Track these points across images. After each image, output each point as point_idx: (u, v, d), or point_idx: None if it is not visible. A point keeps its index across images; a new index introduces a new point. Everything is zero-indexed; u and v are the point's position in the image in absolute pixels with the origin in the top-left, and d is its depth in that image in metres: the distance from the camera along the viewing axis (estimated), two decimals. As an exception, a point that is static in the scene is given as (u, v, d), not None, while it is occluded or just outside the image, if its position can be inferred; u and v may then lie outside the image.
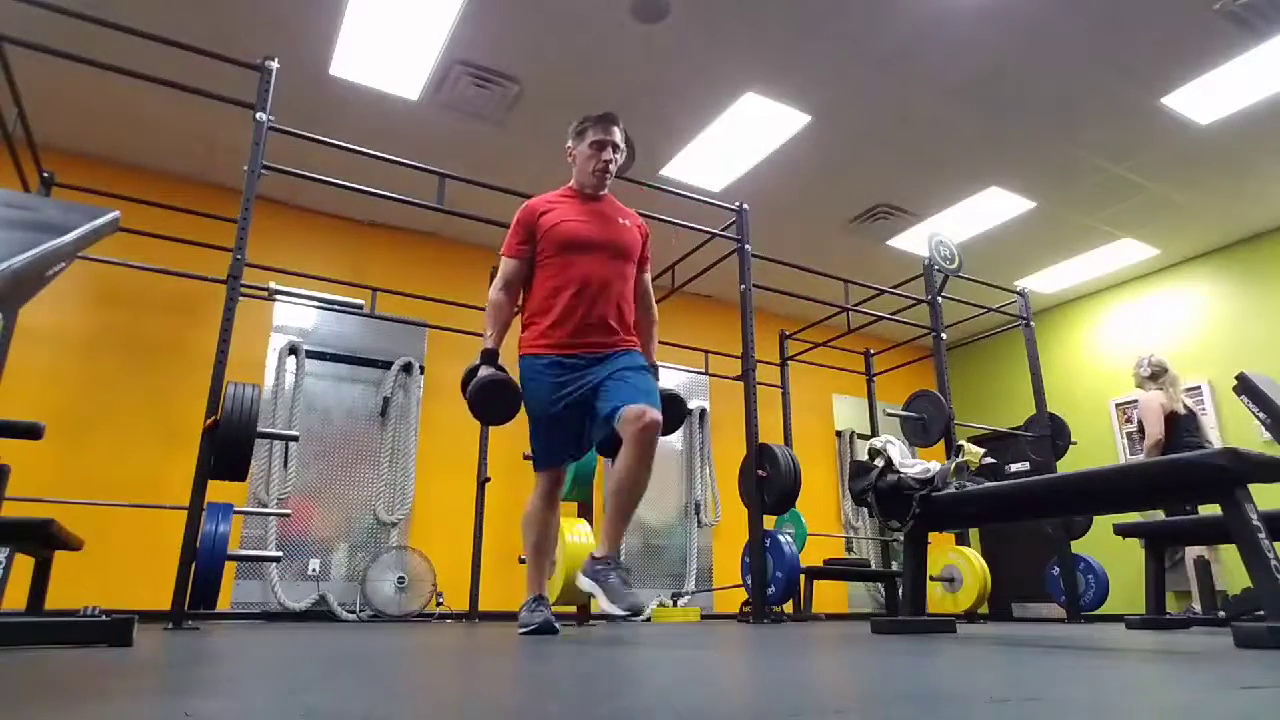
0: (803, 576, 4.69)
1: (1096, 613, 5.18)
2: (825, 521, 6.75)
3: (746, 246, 4.33)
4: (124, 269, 3.94)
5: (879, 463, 2.72)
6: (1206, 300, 6.32)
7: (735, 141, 4.83)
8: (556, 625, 2.32)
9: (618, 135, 2.50)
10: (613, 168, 2.49)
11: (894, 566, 5.88)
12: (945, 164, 5.16)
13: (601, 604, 2.11)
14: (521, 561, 3.91)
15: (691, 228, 4.38)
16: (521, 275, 2.49)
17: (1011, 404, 6.83)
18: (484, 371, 2.39)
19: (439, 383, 5.52)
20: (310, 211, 5.52)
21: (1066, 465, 5.45)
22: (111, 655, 1.37)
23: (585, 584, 2.18)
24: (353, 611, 4.64)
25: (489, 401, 2.41)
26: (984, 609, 5.01)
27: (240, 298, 3.12)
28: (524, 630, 2.30)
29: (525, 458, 3.84)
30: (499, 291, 2.50)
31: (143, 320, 4.78)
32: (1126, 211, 5.72)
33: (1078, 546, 5.22)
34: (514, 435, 4.77)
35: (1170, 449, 4.11)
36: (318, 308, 5.00)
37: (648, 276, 2.63)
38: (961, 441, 3.78)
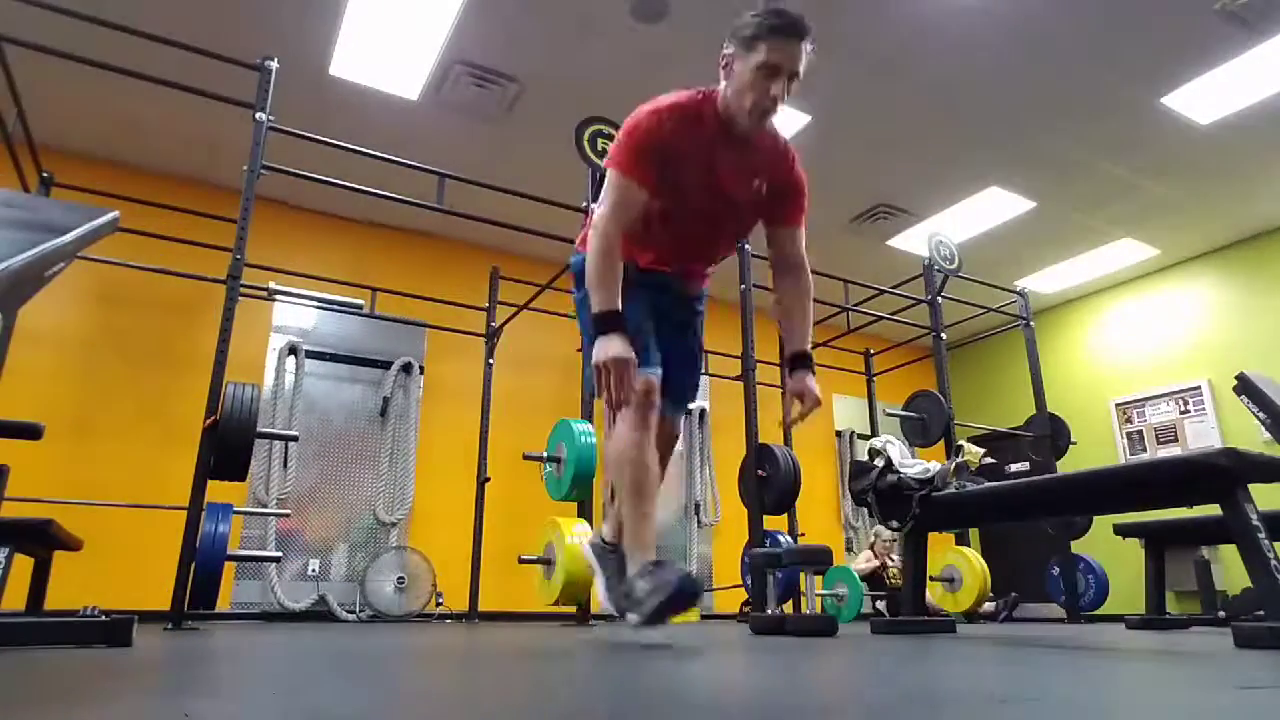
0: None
1: (1096, 613, 5.18)
2: (825, 522, 6.75)
3: (746, 246, 4.33)
4: (124, 269, 3.94)
5: (879, 463, 2.72)
6: (1206, 300, 6.32)
7: (735, 141, 4.82)
8: (696, 583, 1.67)
9: (803, 60, 1.75)
10: (781, 104, 1.77)
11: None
12: (945, 164, 5.16)
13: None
14: (521, 561, 3.91)
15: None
16: (641, 208, 1.77)
17: (1011, 404, 6.83)
18: (614, 344, 1.65)
19: (439, 383, 5.52)
20: (310, 211, 5.52)
21: (1066, 465, 5.45)
22: (111, 655, 1.37)
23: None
24: (352, 612, 4.64)
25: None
26: (987, 608, 5.01)
27: (240, 298, 3.12)
28: (650, 612, 1.60)
29: (525, 458, 3.87)
30: (613, 223, 1.73)
31: (143, 320, 4.78)
32: (1126, 211, 5.72)
33: (1078, 546, 5.22)
34: (514, 435, 4.79)
35: None
36: (317, 308, 5.01)
37: (795, 241, 1.99)
38: (961, 441, 3.78)
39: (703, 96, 1.80)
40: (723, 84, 1.79)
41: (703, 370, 2.10)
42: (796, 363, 1.98)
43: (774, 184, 1.92)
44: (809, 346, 2.00)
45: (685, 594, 1.60)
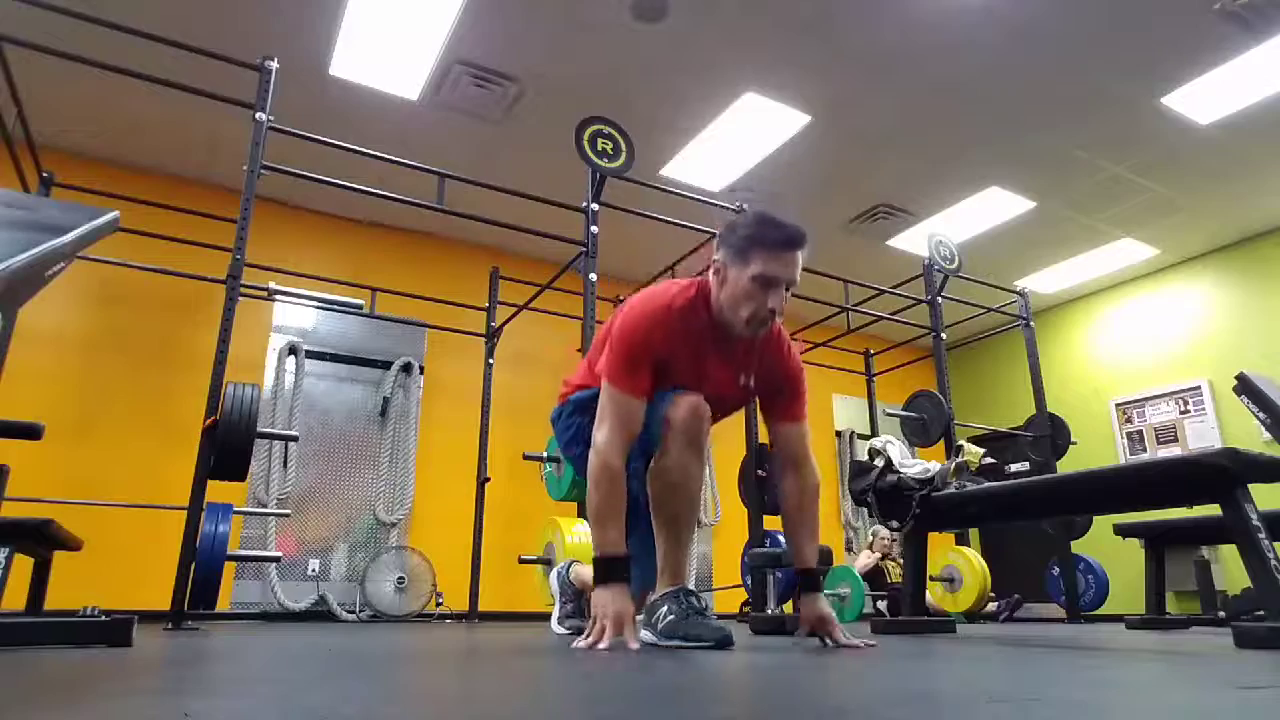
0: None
1: (1096, 613, 5.18)
2: (825, 522, 6.75)
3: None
4: (124, 269, 3.94)
5: (879, 463, 2.72)
6: (1206, 300, 6.32)
7: (735, 141, 4.83)
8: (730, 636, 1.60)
9: (798, 268, 1.67)
10: (778, 317, 1.69)
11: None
12: (945, 164, 5.16)
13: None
14: (521, 561, 3.90)
15: (692, 228, 4.38)
16: (641, 421, 1.65)
17: (1011, 404, 6.83)
18: (616, 596, 1.54)
19: (439, 383, 5.52)
20: (310, 211, 5.52)
21: (1066, 465, 5.45)
22: (111, 655, 1.37)
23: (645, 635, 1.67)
24: (352, 612, 4.64)
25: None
26: (989, 608, 5.01)
27: (240, 298, 3.12)
28: (688, 643, 1.56)
29: (525, 458, 3.87)
30: (617, 449, 1.61)
31: (143, 320, 4.78)
32: (1126, 211, 5.72)
33: (1078, 546, 5.22)
34: (514, 435, 4.79)
35: None
36: (317, 308, 5.01)
37: (799, 436, 1.85)
38: (961, 441, 3.78)
39: (695, 292, 1.73)
40: (714, 287, 1.71)
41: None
42: (805, 584, 1.80)
43: (765, 376, 1.83)
44: (816, 563, 1.82)
45: (721, 646, 1.55)
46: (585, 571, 2.15)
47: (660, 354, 1.68)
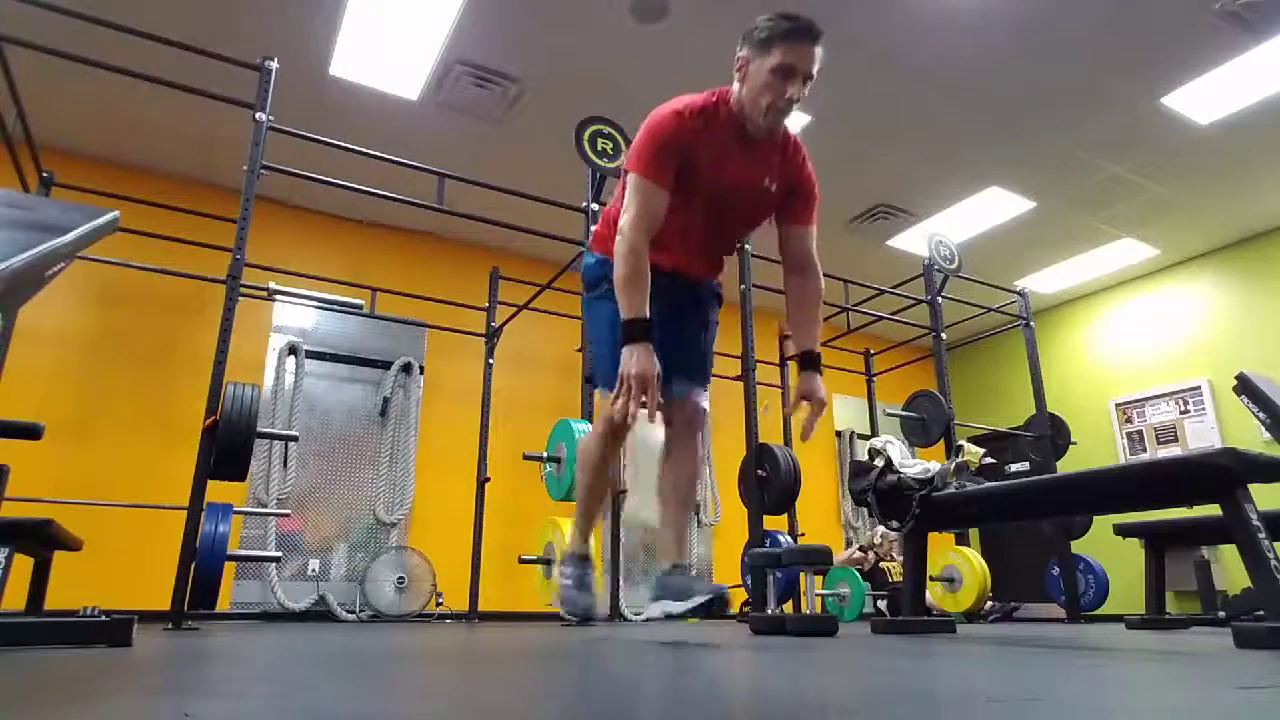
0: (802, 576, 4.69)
1: (1096, 613, 5.17)
2: (825, 522, 6.75)
3: (746, 246, 4.33)
4: (124, 269, 3.94)
5: (879, 463, 2.72)
6: (1206, 300, 6.32)
7: (735, 141, 4.82)
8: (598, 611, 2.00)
9: (816, 62, 1.78)
10: (794, 106, 1.81)
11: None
12: (945, 164, 5.16)
13: (674, 609, 1.79)
14: (521, 561, 3.92)
15: (691, 228, 4.38)
16: (665, 210, 1.79)
17: (1011, 404, 6.83)
18: (641, 354, 1.69)
19: (439, 383, 5.52)
20: (310, 211, 5.52)
21: (1066, 465, 5.45)
22: (111, 655, 1.37)
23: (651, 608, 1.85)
24: (352, 611, 4.64)
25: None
26: (985, 608, 5.01)
27: (240, 298, 3.12)
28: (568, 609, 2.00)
29: (525, 458, 3.87)
30: (641, 231, 1.76)
31: (143, 320, 4.78)
32: (1126, 211, 5.72)
33: (1078, 546, 5.22)
34: (514, 435, 4.79)
35: None
36: (317, 308, 5.01)
37: (806, 239, 2.04)
38: (961, 441, 3.78)
39: (717, 98, 1.85)
40: (736, 85, 1.83)
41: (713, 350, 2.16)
42: (805, 362, 2.01)
43: (785, 182, 1.94)
44: (818, 347, 2.03)
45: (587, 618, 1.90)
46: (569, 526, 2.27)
47: (683, 147, 1.79)
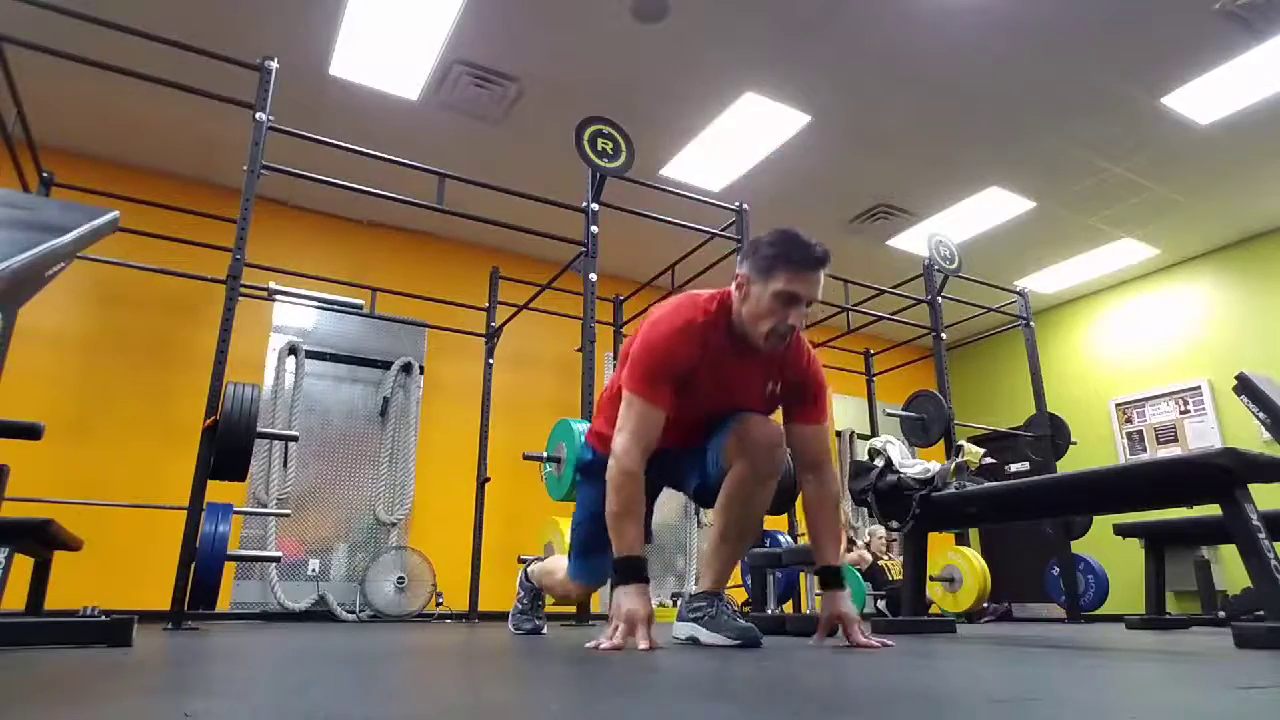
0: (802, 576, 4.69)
1: (1096, 613, 5.18)
2: (825, 521, 6.74)
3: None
4: (124, 269, 3.94)
5: (879, 463, 2.72)
6: (1206, 300, 6.32)
7: (735, 141, 4.83)
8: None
9: (819, 287, 1.72)
10: (799, 331, 1.74)
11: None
12: (945, 164, 5.16)
13: (703, 638, 1.76)
14: (521, 561, 3.90)
15: (691, 228, 4.39)
16: (661, 429, 1.71)
17: (1011, 404, 6.83)
18: (634, 597, 1.61)
19: (439, 383, 5.52)
20: (310, 211, 5.52)
21: (1066, 465, 5.45)
22: (111, 655, 1.37)
23: (683, 629, 1.84)
24: (352, 612, 4.64)
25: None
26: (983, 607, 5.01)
27: (240, 298, 3.12)
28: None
29: (525, 458, 3.86)
30: (637, 456, 1.67)
31: (143, 320, 4.78)
32: (1126, 211, 5.72)
33: (1078, 546, 5.22)
34: (514, 435, 4.79)
35: None
36: (317, 308, 5.00)
37: (820, 436, 1.89)
38: (961, 441, 3.78)
39: (717, 306, 1.77)
40: (736, 301, 1.75)
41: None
42: (827, 581, 1.84)
43: (789, 383, 1.87)
44: (839, 561, 1.86)
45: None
46: (544, 568, 2.29)
47: (683, 367, 1.73)
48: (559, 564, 2.16)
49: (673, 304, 1.81)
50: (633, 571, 1.63)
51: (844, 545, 6.56)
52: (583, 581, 2.03)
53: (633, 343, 1.80)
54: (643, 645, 1.51)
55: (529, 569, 2.41)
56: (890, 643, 1.76)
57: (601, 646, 1.52)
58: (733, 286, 1.76)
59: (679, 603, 1.94)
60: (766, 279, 1.68)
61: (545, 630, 2.42)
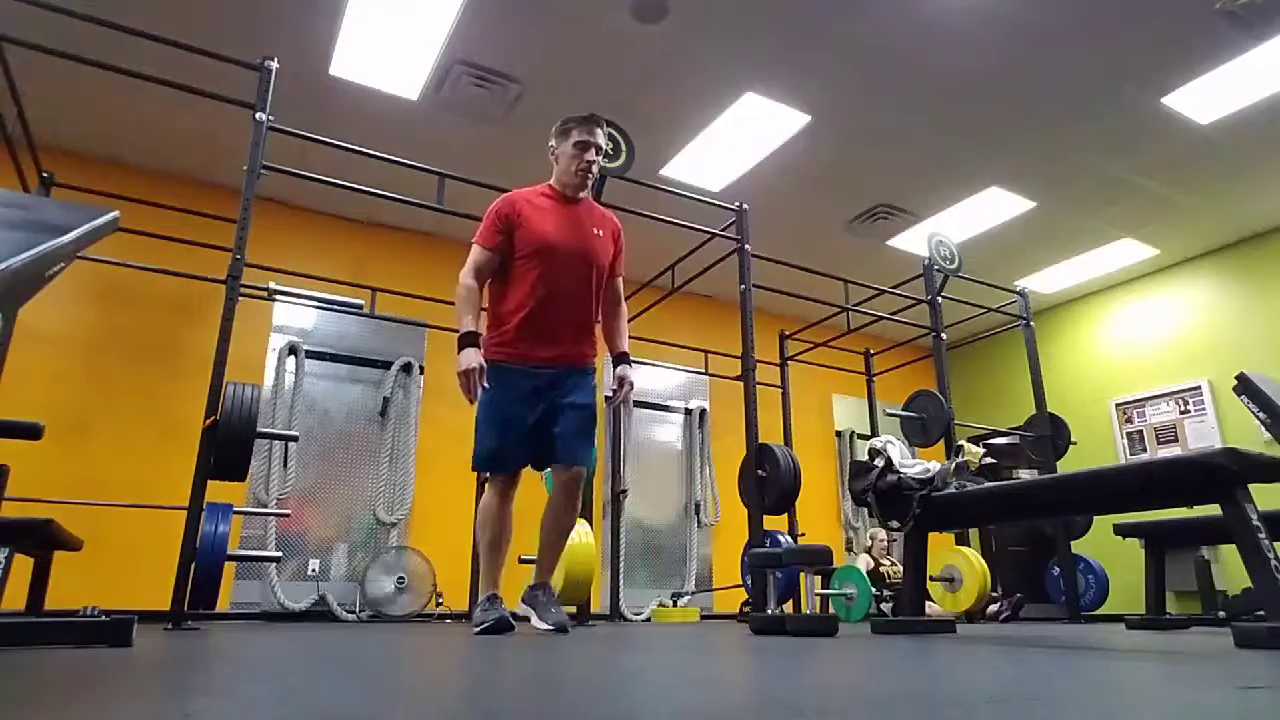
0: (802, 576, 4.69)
1: (1096, 613, 5.18)
2: (825, 522, 6.75)
3: (746, 246, 4.33)
4: (124, 269, 3.94)
5: (879, 463, 2.72)
6: (1206, 300, 6.32)
7: (735, 141, 4.83)
8: (512, 622, 2.36)
9: (600, 137, 2.57)
10: (595, 169, 2.56)
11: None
12: (945, 164, 5.16)
13: (534, 622, 2.41)
14: (522, 561, 3.92)
15: (691, 228, 4.39)
16: (493, 266, 2.52)
17: (1011, 404, 6.83)
18: (469, 355, 2.41)
19: (439, 383, 5.51)
20: (310, 211, 5.52)
21: (1066, 465, 5.45)
22: (111, 655, 1.37)
23: (522, 608, 2.47)
24: (352, 611, 4.64)
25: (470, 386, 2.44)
26: (990, 610, 5.00)
27: (240, 298, 3.12)
28: (479, 629, 2.33)
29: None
30: (470, 278, 2.52)
31: (143, 320, 4.78)
32: (1126, 211, 5.72)
33: (1078, 546, 5.22)
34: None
35: None
36: (317, 308, 5.00)
37: (618, 282, 2.71)
38: (961, 441, 3.78)
39: (540, 187, 2.63)
40: (554, 167, 2.63)
41: (630, 364, 2.72)
42: (620, 361, 2.66)
43: (609, 231, 2.64)
44: (627, 348, 2.70)
45: (500, 630, 2.29)
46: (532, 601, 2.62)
47: (521, 216, 2.50)
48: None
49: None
50: (468, 340, 2.43)
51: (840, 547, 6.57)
52: (490, 469, 2.56)
53: None
54: (479, 394, 2.40)
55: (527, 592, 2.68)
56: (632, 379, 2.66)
57: (465, 386, 2.43)
58: (551, 160, 2.63)
59: (525, 591, 2.56)
60: (564, 139, 2.58)
61: (515, 628, 2.36)
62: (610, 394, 2.62)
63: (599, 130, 2.56)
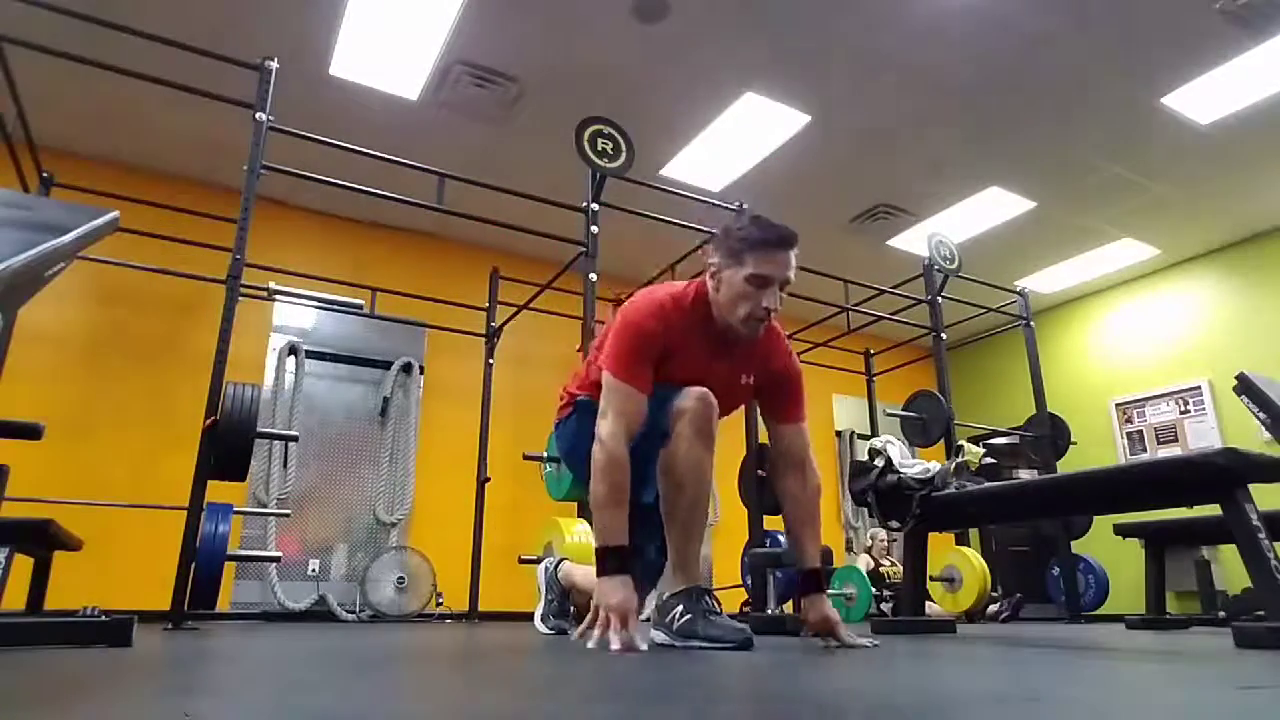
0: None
1: (1096, 613, 5.17)
2: (825, 522, 6.73)
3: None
4: (124, 269, 3.94)
5: (879, 463, 2.72)
6: (1207, 300, 6.32)
7: (735, 141, 4.83)
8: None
9: (791, 268, 1.72)
10: (775, 315, 1.74)
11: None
12: (945, 164, 5.16)
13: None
14: (521, 561, 3.91)
15: (692, 227, 4.38)
16: (644, 415, 1.66)
17: (1011, 404, 6.83)
18: (618, 587, 1.53)
19: (439, 383, 5.51)
20: (310, 211, 5.52)
21: (1066, 465, 5.45)
22: (111, 656, 1.37)
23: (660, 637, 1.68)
24: (352, 612, 4.64)
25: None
26: (991, 609, 5.00)
27: (240, 298, 3.12)
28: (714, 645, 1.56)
29: (525, 458, 3.87)
30: (622, 439, 1.61)
31: (143, 320, 4.78)
32: (1126, 211, 5.72)
33: (1078, 546, 5.22)
34: (514, 435, 4.79)
35: None
36: (317, 308, 5.00)
37: (797, 433, 1.89)
38: (961, 441, 3.78)
39: (694, 292, 1.79)
40: (711, 290, 1.76)
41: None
42: (809, 585, 1.78)
43: (767, 377, 1.88)
44: (819, 564, 1.82)
45: (743, 648, 1.55)
46: (575, 571, 2.18)
47: (661, 347, 1.71)
48: (588, 573, 1.98)
49: (650, 288, 1.85)
50: (617, 561, 1.55)
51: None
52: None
53: (609, 327, 1.79)
54: (615, 646, 1.41)
55: (554, 569, 2.28)
56: (877, 642, 1.76)
57: (593, 640, 1.48)
58: (707, 277, 1.76)
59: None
60: (738, 264, 1.69)
61: (570, 632, 2.32)
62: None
63: (792, 255, 1.72)
